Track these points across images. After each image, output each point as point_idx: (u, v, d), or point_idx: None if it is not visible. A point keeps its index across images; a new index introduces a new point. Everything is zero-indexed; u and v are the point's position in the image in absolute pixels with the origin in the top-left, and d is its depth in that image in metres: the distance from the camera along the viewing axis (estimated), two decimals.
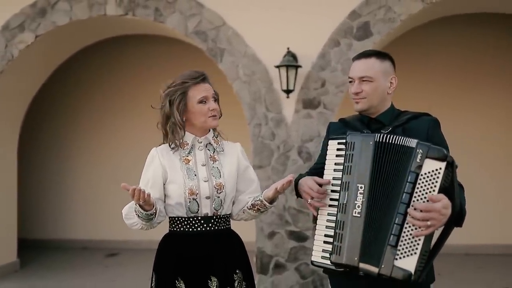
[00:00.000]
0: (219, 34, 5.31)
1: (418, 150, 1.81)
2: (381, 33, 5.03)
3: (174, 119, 2.24)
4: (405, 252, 1.79)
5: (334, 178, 2.02)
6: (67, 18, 5.51)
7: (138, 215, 2.13)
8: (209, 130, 2.33)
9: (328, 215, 2.01)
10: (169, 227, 2.31)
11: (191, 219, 2.22)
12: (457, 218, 1.84)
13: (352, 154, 1.95)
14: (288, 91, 5.03)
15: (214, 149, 2.32)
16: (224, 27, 5.30)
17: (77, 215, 8.02)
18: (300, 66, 5.01)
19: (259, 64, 5.20)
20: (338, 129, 2.23)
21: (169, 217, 2.30)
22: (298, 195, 2.21)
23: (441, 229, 1.86)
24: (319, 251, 2.01)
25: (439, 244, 1.88)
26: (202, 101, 2.22)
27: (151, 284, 2.28)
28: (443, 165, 1.77)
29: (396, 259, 1.80)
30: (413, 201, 1.81)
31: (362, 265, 1.88)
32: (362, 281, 1.98)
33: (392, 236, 1.82)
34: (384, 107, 2.14)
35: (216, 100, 2.28)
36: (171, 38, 6.20)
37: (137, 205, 2.08)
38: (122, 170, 7.72)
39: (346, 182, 1.95)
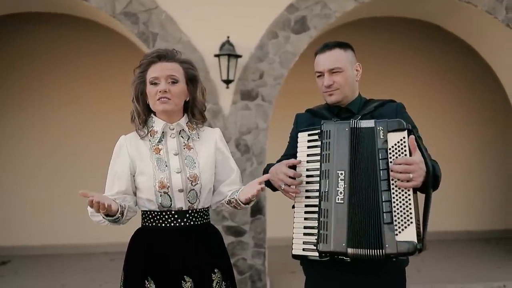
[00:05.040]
0: (151, 17, 4.94)
1: (378, 128, 1.88)
2: (317, 28, 5.10)
3: (133, 104, 2.06)
4: (402, 225, 1.81)
5: (308, 170, 2.00)
6: None
7: (103, 217, 1.92)
8: (183, 115, 2.09)
9: (306, 206, 1.99)
10: (142, 221, 2.07)
11: (164, 214, 2.00)
12: (432, 180, 1.89)
13: (329, 142, 1.96)
14: (228, 81, 4.85)
15: (189, 136, 2.08)
16: (157, 10, 4.95)
17: None
18: (240, 56, 4.86)
19: (195, 52, 4.94)
20: (306, 120, 2.22)
21: (142, 211, 2.06)
22: (268, 185, 2.14)
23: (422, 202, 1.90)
24: (300, 244, 1.98)
25: (426, 210, 1.92)
26: (153, 82, 2.00)
27: (120, 283, 2.05)
28: (405, 133, 1.86)
29: (397, 234, 1.81)
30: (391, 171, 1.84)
31: (350, 250, 1.87)
32: (336, 282, 2.01)
33: (385, 214, 1.83)
34: (354, 96, 2.18)
35: (176, 82, 2.00)
36: (91, 20, 5.63)
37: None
38: (16, 170, 6.84)
39: (325, 170, 1.94)
